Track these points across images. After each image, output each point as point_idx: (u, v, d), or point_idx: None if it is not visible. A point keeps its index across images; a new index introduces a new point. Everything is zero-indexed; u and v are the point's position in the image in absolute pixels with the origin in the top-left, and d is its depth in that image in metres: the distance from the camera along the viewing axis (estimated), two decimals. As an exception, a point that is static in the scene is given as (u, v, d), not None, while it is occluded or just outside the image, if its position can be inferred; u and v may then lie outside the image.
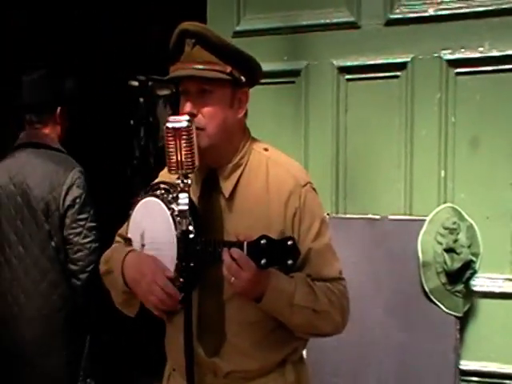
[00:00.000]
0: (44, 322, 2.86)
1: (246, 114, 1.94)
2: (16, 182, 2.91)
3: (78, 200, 2.89)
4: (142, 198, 1.92)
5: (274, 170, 1.88)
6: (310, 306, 1.77)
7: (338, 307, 1.82)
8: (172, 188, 1.84)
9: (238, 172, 1.87)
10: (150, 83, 5.46)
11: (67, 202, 2.87)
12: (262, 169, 1.88)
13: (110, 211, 3.89)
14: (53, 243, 2.87)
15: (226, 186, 1.86)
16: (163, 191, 1.86)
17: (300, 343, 1.91)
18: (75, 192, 2.89)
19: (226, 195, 1.85)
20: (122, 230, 2.05)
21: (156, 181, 1.98)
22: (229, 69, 1.82)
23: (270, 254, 1.61)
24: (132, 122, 5.00)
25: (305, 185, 1.87)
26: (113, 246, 2.07)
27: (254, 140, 1.96)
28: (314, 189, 1.92)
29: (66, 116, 3.11)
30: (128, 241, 1.97)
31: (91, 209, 2.94)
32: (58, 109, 3.06)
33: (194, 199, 1.85)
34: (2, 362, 2.92)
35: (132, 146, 4.71)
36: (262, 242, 1.62)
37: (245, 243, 1.64)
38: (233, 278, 1.66)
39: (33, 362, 2.86)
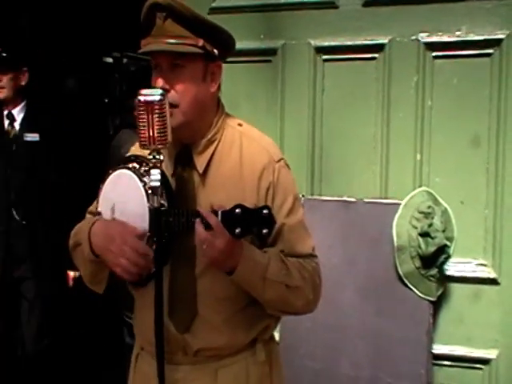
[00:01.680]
0: None
1: (219, 88, 1.89)
2: None
3: None
4: (113, 171, 1.86)
5: (247, 145, 1.85)
6: (283, 281, 1.75)
7: (310, 284, 1.80)
8: (145, 161, 1.78)
9: (212, 147, 1.83)
10: (124, 60, 5.37)
11: None
12: (235, 144, 1.85)
13: (84, 186, 3.85)
14: None
15: (200, 162, 1.82)
16: (135, 164, 1.81)
17: (271, 321, 1.88)
18: None
19: (200, 171, 1.81)
20: (91, 207, 2.00)
21: (128, 154, 1.93)
22: (201, 42, 1.76)
23: (245, 223, 1.58)
24: (106, 99, 4.94)
25: (278, 160, 1.84)
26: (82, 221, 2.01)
27: (228, 115, 1.91)
28: (287, 165, 1.88)
29: None
30: (97, 214, 1.91)
31: None
32: None
33: (168, 174, 1.81)
34: None
35: (107, 123, 4.65)
36: (237, 210, 1.59)
37: (219, 212, 1.61)
38: (205, 246, 1.64)
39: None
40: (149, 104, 1.65)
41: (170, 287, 1.81)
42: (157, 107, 1.65)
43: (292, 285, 1.76)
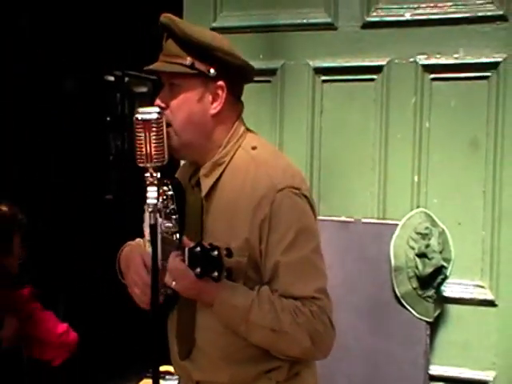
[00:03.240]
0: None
1: (237, 108, 1.88)
2: None
3: None
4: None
5: (253, 171, 1.78)
6: (268, 325, 1.66)
7: (306, 330, 1.67)
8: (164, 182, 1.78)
9: (219, 170, 1.80)
10: (126, 79, 5.38)
11: None
12: (243, 169, 1.79)
13: (85, 206, 3.87)
14: None
15: (205, 185, 1.81)
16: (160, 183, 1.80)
17: (284, 362, 1.76)
18: None
19: (203, 194, 1.80)
20: None
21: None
22: (189, 61, 1.76)
23: (204, 263, 1.56)
24: (108, 118, 4.93)
25: (282, 189, 1.74)
26: None
27: (248, 135, 1.87)
28: (297, 194, 1.76)
29: None
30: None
31: None
32: None
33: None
34: None
35: (108, 141, 4.67)
36: (196, 249, 1.58)
37: (186, 249, 1.62)
38: (174, 283, 1.65)
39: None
40: (146, 122, 1.66)
41: (177, 316, 1.85)
42: (154, 125, 1.65)
43: (280, 329, 1.67)
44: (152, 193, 1.67)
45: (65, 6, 4.72)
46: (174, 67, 1.77)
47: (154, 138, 1.65)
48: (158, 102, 1.79)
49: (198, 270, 1.57)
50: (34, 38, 4.55)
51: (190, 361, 1.81)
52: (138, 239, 2.00)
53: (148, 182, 1.68)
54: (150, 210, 1.65)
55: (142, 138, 1.66)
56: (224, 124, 1.84)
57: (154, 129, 1.65)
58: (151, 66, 1.81)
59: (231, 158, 1.82)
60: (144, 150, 1.66)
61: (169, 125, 1.75)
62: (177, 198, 1.77)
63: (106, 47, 4.85)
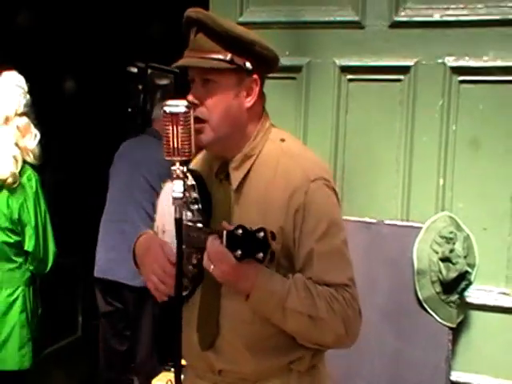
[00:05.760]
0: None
1: (263, 101, 1.87)
2: None
3: None
4: (166, 182, 1.89)
5: (284, 162, 1.78)
6: (305, 312, 1.67)
7: (340, 317, 1.69)
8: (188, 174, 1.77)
9: (249, 163, 1.80)
10: (149, 71, 5.36)
11: None
12: (273, 160, 1.79)
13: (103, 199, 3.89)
14: None
15: (235, 177, 1.80)
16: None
17: (306, 352, 1.78)
18: None
19: (234, 187, 1.80)
20: None
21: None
22: (229, 56, 1.75)
23: (246, 246, 1.55)
24: (129, 109, 4.93)
25: (315, 180, 1.75)
26: None
27: (273, 129, 1.87)
28: (328, 186, 1.78)
29: None
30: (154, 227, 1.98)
31: None
32: None
33: (210, 188, 1.82)
34: None
35: (129, 133, 4.67)
36: (239, 232, 1.56)
37: (224, 232, 1.59)
38: (212, 266, 1.63)
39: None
40: (174, 115, 1.64)
41: (200, 303, 1.83)
42: (181, 119, 1.64)
43: (316, 316, 1.67)
44: (178, 186, 1.66)
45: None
46: (212, 63, 1.75)
47: (181, 131, 1.65)
48: (190, 98, 1.76)
49: (239, 252, 1.55)
50: (66, 28, 4.55)
51: (214, 350, 1.80)
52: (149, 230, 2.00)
53: (174, 176, 1.67)
54: (175, 204, 1.64)
55: (170, 131, 1.65)
56: (255, 117, 1.84)
57: (181, 122, 1.64)
58: (185, 62, 1.78)
59: (260, 150, 1.82)
60: (171, 143, 1.66)
61: (203, 120, 1.75)
62: (199, 188, 1.77)
63: (131, 40, 4.86)
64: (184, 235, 1.66)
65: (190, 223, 1.73)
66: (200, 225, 1.75)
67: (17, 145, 2.98)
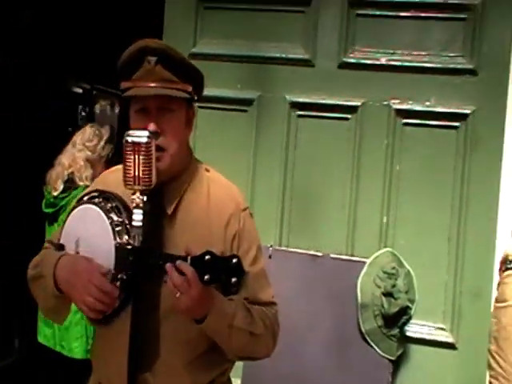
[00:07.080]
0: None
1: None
2: None
3: None
4: (78, 205, 1.87)
5: (215, 190, 1.88)
6: (248, 329, 1.77)
7: (271, 331, 1.84)
8: (112, 197, 1.81)
9: (182, 189, 1.86)
10: (94, 92, 5.35)
11: None
12: (203, 188, 1.88)
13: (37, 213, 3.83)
14: None
15: (170, 202, 1.84)
16: (101, 199, 1.82)
17: (229, 365, 1.92)
18: None
19: (169, 212, 1.84)
20: (52, 237, 2.00)
21: (89, 189, 1.94)
22: (190, 88, 1.82)
23: (214, 271, 1.59)
24: (70, 129, 4.90)
25: (244, 209, 1.89)
26: (42, 251, 1.99)
27: (196, 159, 1.96)
28: (251, 214, 1.94)
29: None
30: (59, 247, 1.90)
31: None
32: None
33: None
34: None
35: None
36: (207, 257, 1.60)
37: (189, 258, 1.62)
38: (178, 294, 1.63)
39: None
40: (135, 145, 1.67)
41: (131, 327, 1.81)
42: (143, 149, 1.67)
43: (256, 332, 1.79)
44: (138, 215, 1.69)
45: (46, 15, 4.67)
46: (180, 93, 1.80)
47: (142, 161, 1.68)
48: (152, 127, 1.77)
49: (207, 277, 1.59)
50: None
51: (151, 372, 1.80)
52: (47, 250, 1.96)
53: (134, 205, 1.70)
54: (134, 232, 1.68)
55: (131, 160, 1.68)
56: (188, 145, 1.93)
57: (143, 152, 1.68)
58: (155, 92, 1.79)
59: (191, 178, 1.89)
60: (132, 172, 1.69)
61: (162, 149, 1.77)
62: (126, 212, 1.78)
63: (76, 61, 4.84)
64: (119, 258, 1.70)
65: (129, 246, 1.74)
66: (130, 247, 1.75)
67: None
